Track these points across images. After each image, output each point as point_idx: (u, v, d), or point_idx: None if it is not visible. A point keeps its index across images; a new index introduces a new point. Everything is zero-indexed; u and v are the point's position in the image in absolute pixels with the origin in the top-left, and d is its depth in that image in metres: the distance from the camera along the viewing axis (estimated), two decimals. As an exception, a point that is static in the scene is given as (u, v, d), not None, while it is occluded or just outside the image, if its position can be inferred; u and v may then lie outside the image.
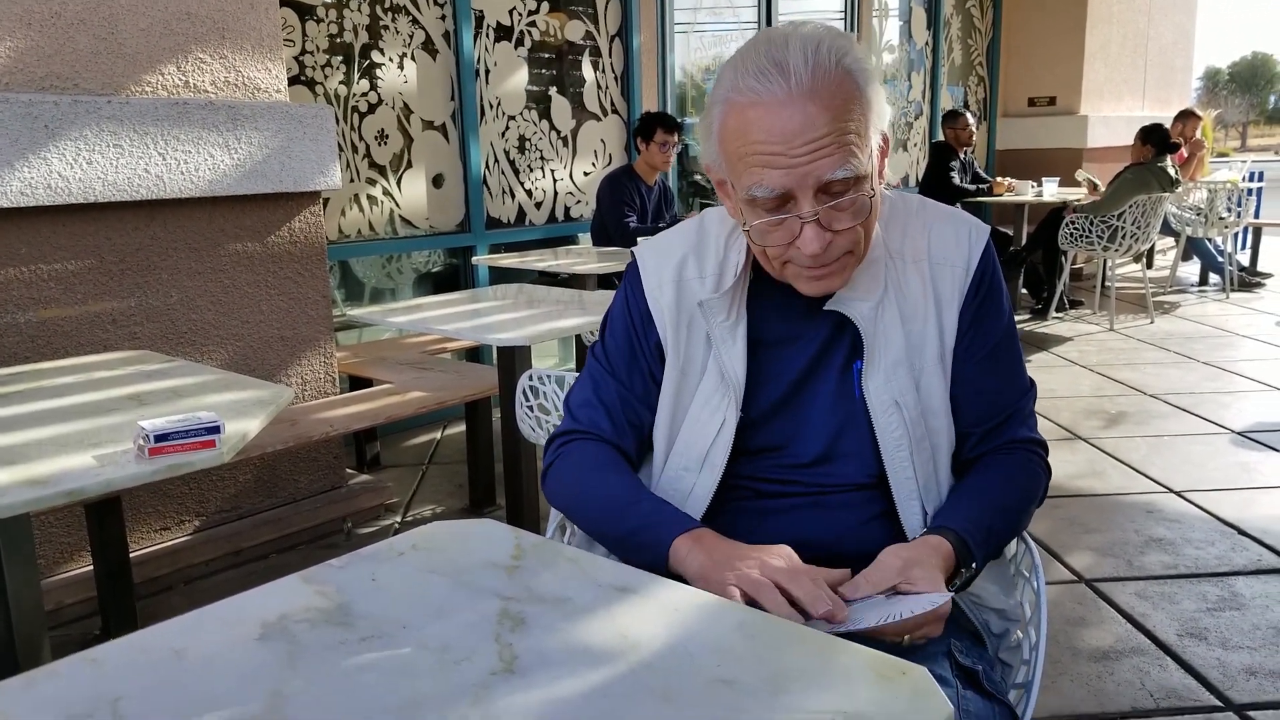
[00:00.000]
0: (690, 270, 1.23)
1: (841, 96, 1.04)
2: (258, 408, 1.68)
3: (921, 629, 1.01)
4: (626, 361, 1.27)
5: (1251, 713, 2.07)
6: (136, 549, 2.81)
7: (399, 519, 3.30)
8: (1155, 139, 6.41)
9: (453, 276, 4.73)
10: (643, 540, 1.12)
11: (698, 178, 6.13)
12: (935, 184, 6.74)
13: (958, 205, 6.69)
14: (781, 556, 1.04)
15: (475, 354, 4.58)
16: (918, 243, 1.20)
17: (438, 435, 4.28)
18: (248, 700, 0.76)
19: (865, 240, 1.12)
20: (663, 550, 1.08)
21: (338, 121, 4.10)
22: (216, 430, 1.46)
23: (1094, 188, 6.78)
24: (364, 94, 4.20)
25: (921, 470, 1.18)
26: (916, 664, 0.79)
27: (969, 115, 6.83)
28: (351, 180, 4.18)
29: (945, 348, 1.19)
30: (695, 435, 1.22)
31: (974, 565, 1.11)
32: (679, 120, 4.83)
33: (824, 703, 0.74)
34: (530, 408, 2.47)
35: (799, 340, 1.21)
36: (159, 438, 1.41)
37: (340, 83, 4.11)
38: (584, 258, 4.14)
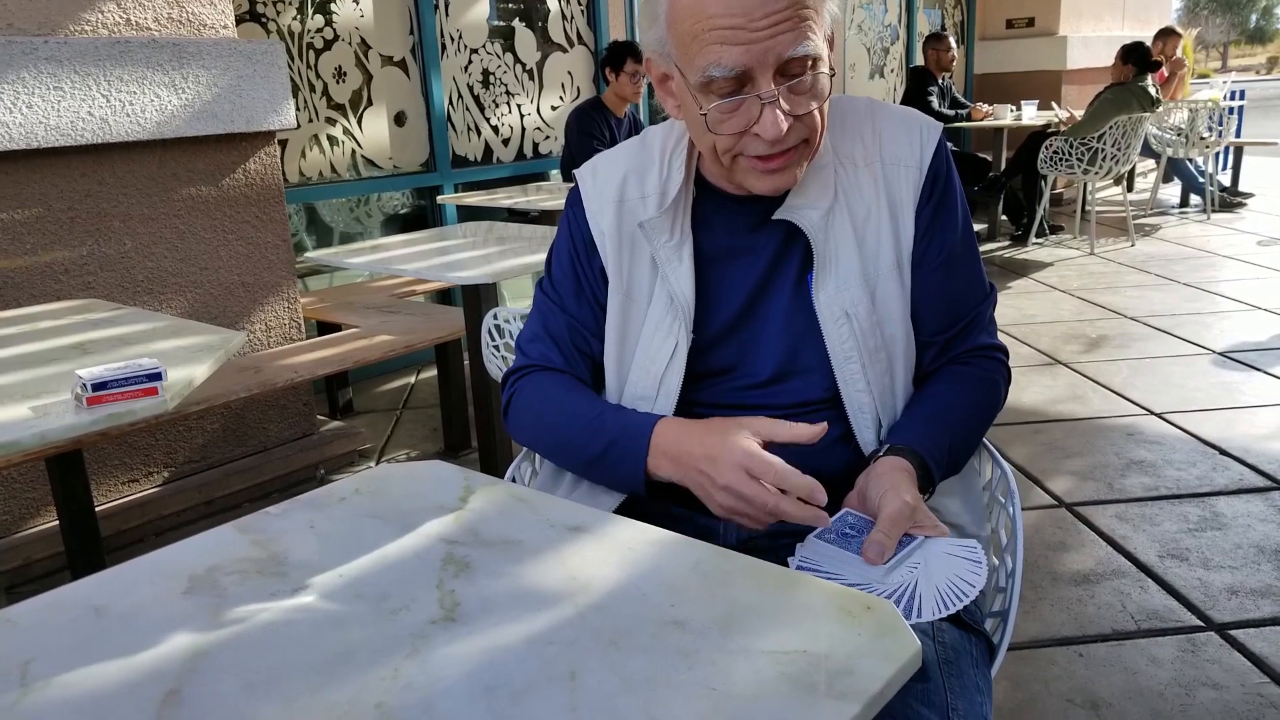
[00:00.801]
0: (632, 190, 1.18)
1: None
2: (206, 353, 1.61)
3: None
4: (573, 291, 1.22)
5: (1233, 631, 2.07)
6: (105, 501, 2.76)
7: (373, 464, 3.25)
8: (1136, 57, 6.30)
9: (420, 217, 4.63)
10: (611, 465, 1.10)
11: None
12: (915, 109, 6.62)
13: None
14: (731, 477, 0.99)
15: (447, 297, 4.50)
16: (868, 145, 1.15)
17: (412, 380, 4.21)
18: (168, 658, 0.71)
19: (822, 129, 1.07)
20: (639, 478, 1.08)
21: (292, 59, 3.96)
22: (159, 377, 1.39)
23: (1071, 117, 6.67)
24: (319, 30, 4.05)
25: (876, 384, 1.13)
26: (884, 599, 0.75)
27: (950, 38, 6.69)
28: (310, 120, 4.05)
29: (902, 253, 1.14)
30: (648, 362, 1.17)
31: (930, 490, 1.09)
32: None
33: (782, 641, 0.69)
34: (497, 348, 2.41)
35: (749, 254, 1.16)
36: (97, 386, 1.34)
37: (293, 19, 3.96)
38: (554, 194, 4.04)
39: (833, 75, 1.06)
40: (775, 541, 1.17)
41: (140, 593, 0.80)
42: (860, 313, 1.12)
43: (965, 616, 1.05)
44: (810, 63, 1.01)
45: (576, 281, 1.22)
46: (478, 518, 0.91)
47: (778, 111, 1.00)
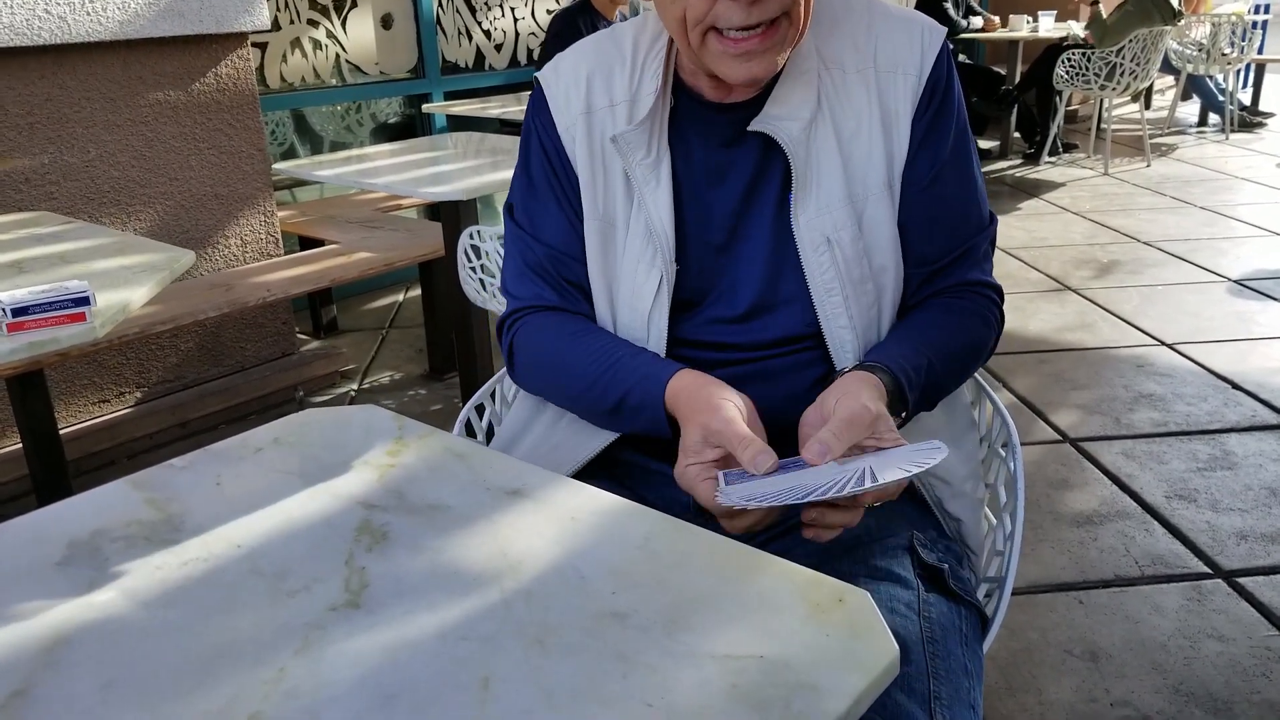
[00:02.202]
0: (599, 96, 1.05)
1: None
2: (148, 274, 1.49)
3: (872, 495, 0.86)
4: (551, 211, 1.08)
5: (1241, 579, 1.98)
6: (73, 423, 2.67)
7: (355, 387, 3.15)
8: (1158, -35, 6.01)
9: (409, 126, 4.44)
10: (633, 415, 1.00)
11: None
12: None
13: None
14: (698, 443, 0.88)
15: (435, 212, 4.33)
16: (861, 48, 1.01)
17: (400, 298, 4.09)
18: (22, 648, 0.61)
19: (804, 10, 0.94)
20: (662, 425, 0.97)
21: (272, -45, 3.74)
22: (86, 302, 1.28)
23: (1095, 2, 6.32)
24: (301, -76, 3.82)
25: (860, 319, 1.00)
26: (861, 579, 0.64)
27: (965, -57, 6.38)
28: (291, 22, 3.84)
29: (895, 171, 1.01)
30: (634, 299, 1.04)
31: (902, 414, 0.96)
32: None
33: (737, 643, 0.58)
34: (474, 269, 2.29)
35: (728, 172, 1.03)
36: (16, 312, 1.23)
37: (274, -89, 3.73)
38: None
39: None
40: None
41: (10, 562, 0.70)
42: (844, 239, 1.00)
43: (956, 586, 0.95)
44: None
45: (554, 199, 1.08)
46: (405, 476, 0.81)
47: None
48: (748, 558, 0.68)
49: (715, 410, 0.89)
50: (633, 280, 1.05)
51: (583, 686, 0.55)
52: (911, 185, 1.02)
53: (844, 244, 1.00)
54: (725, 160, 1.03)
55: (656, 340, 1.04)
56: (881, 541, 0.98)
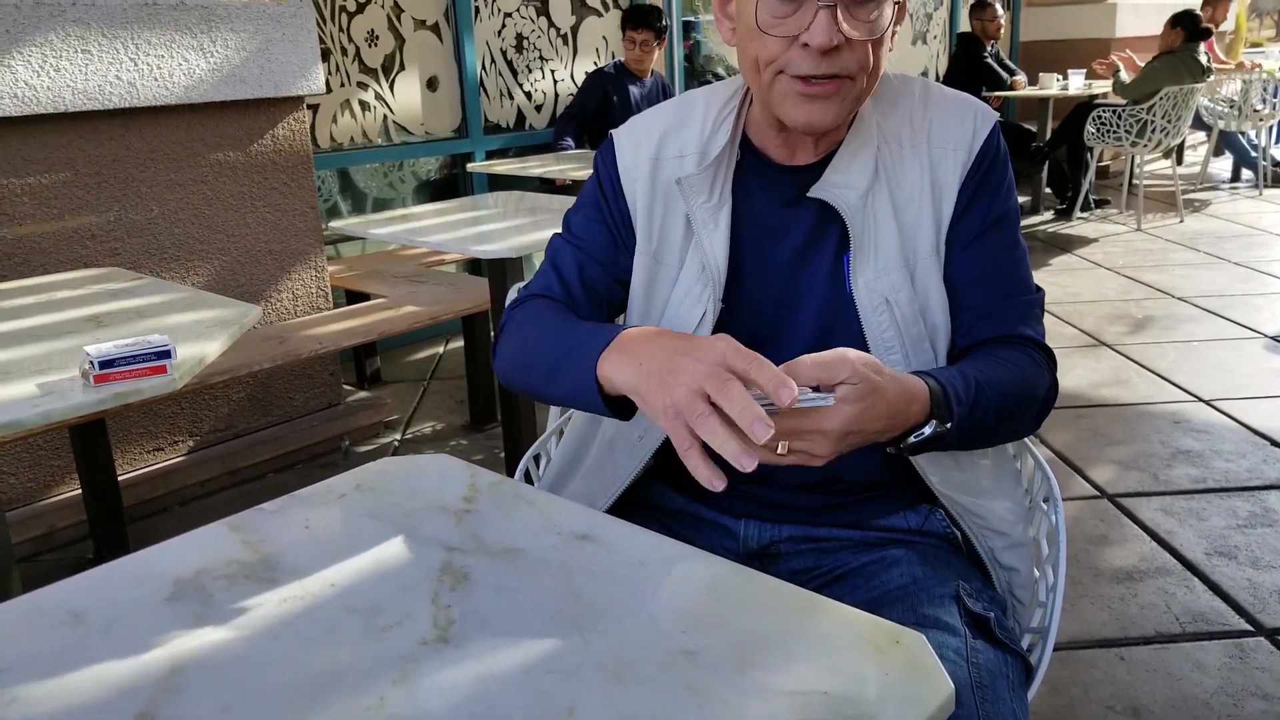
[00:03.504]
0: (670, 148, 1.12)
1: None
2: (220, 329, 1.56)
3: (801, 437, 0.84)
4: (592, 230, 1.16)
5: (1281, 635, 1.99)
6: (129, 470, 2.75)
7: (398, 437, 3.22)
8: (1185, 24, 6.10)
9: (450, 184, 4.57)
10: (568, 370, 0.96)
11: (709, 79, 5.88)
12: (964, 75, 6.44)
13: (985, 95, 6.42)
14: (709, 357, 0.80)
15: (475, 266, 4.45)
16: (917, 126, 1.08)
17: (440, 350, 4.18)
18: (143, 673, 0.66)
19: (872, 73, 1.01)
20: (590, 376, 0.91)
21: (325, 22, 3.90)
22: (167, 355, 1.35)
23: (1117, 72, 6.41)
24: (352, -8, 3.98)
25: None
26: (910, 625, 0.69)
27: (997, 5, 6.49)
28: (342, 85, 4.00)
29: (941, 235, 1.07)
30: (674, 329, 1.09)
31: (947, 425, 0.94)
32: (663, 18, 4.57)
33: (802, 679, 0.63)
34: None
35: (784, 231, 1.09)
36: (104, 364, 1.31)
37: (327, -20, 3.90)
38: (582, 162, 3.97)
39: (892, 31, 1.01)
40: (797, 546, 1.12)
41: (123, 597, 0.76)
42: (901, 299, 1.05)
43: (1001, 634, 0.98)
44: None
45: (600, 219, 1.16)
46: (480, 521, 0.86)
47: (831, 19, 0.95)
48: (807, 601, 0.72)
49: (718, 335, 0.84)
50: (677, 311, 1.10)
51: (660, 717, 0.60)
52: (955, 243, 1.08)
53: (901, 304, 1.05)
54: (785, 219, 1.09)
55: None
56: (929, 590, 1.02)
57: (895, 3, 1.00)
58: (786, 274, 1.10)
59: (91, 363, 1.31)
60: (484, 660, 0.66)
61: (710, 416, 0.76)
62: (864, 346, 1.05)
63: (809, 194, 1.06)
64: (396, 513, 0.88)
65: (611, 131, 1.20)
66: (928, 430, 0.93)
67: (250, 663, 0.67)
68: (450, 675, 0.65)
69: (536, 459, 1.32)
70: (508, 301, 1.22)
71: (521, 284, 1.26)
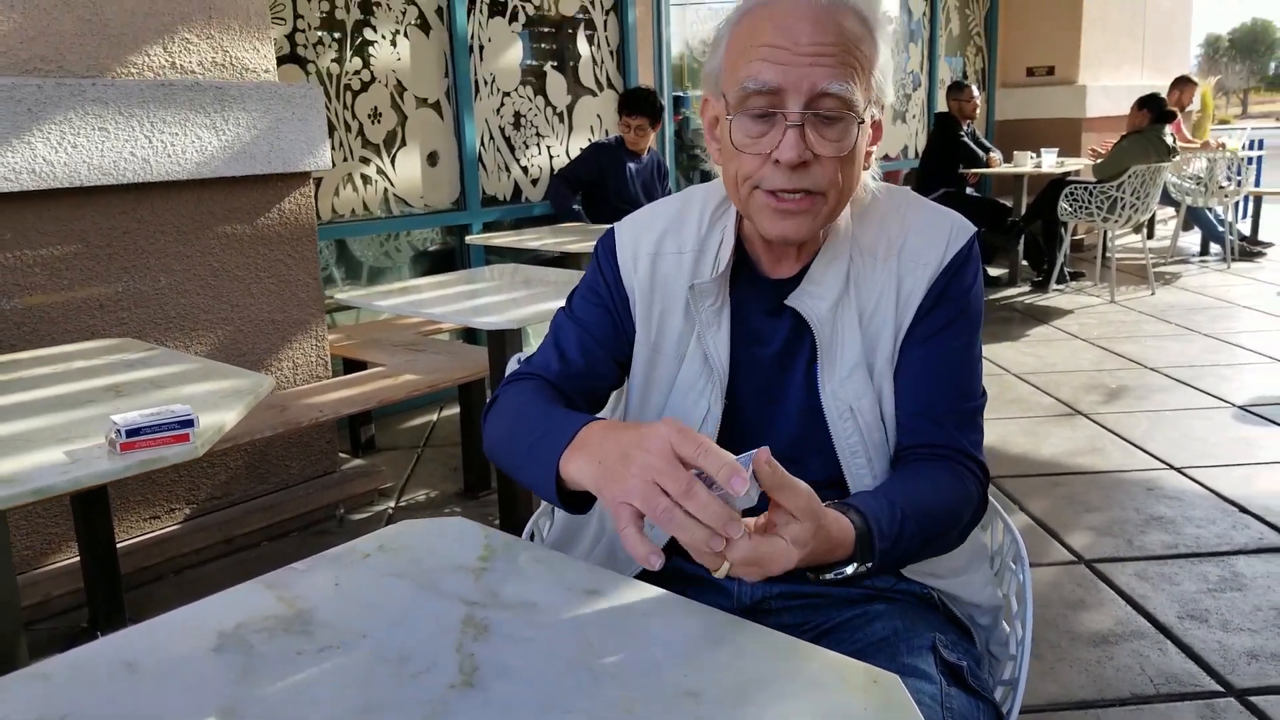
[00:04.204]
0: (669, 245, 1.20)
1: (855, 30, 1.04)
2: (235, 398, 1.65)
3: (743, 567, 0.83)
4: (593, 313, 1.24)
5: (1253, 698, 2.05)
6: (125, 538, 2.79)
7: (393, 504, 3.28)
8: (1152, 107, 6.38)
9: (448, 255, 4.69)
10: (535, 462, 0.99)
11: (698, 151, 6.07)
12: (941, 153, 6.67)
13: (963, 172, 6.64)
14: (655, 445, 0.83)
15: (471, 334, 4.55)
16: (891, 240, 1.15)
17: (434, 417, 4.25)
18: (199, 716, 0.73)
19: (842, 190, 1.08)
20: (551, 474, 0.96)
21: (330, 100, 4.05)
22: (190, 424, 1.43)
23: (1096, 155, 6.69)
24: (356, 71, 4.14)
25: (883, 477, 1.13)
26: (891, 672, 0.77)
27: (973, 87, 6.75)
28: (345, 159, 4.13)
29: (897, 345, 1.14)
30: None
31: (868, 564, 0.96)
32: (658, 104, 4.78)
33: (792, 715, 0.71)
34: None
35: (768, 336, 1.18)
36: (130, 433, 1.38)
37: (332, 60, 4.06)
38: (576, 235, 4.09)
39: (866, 151, 1.07)
40: (787, 603, 1.19)
41: (171, 649, 0.83)
42: (864, 407, 1.13)
43: (974, 684, 1.06)
44: (843, 106, 1.03)
45: (599, 303, 1.23)
46: (497, 578, 0.94)
47: (800, 137, 1.02)
48: (795, 648, 0.80)
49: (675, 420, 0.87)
50: (681, 402, 1.18)
51: (666, 749, 0.68)
52: (906, 343, 1.14)
53: (864, 412, 1.12)
54: (767, 326, 1.17)
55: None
56: (908, 642, 1.10)
57: (860, 122, 1.05)
58: (771, 376, 1.18)
59: (118, 431, 1.39)
60: (506, 702, 0.74)
61: (675, 510, 0.80)
62: (833, 451, 1.14)
63: (786, 302, 1.14)
64: (418, 571, 0.96)
65: (614, 225, 1.27)
66: (849, 570, 0.96)
67: (295, 707, 0.74)
68: (476, 716, 0.72)
69: (539, 524, 1.40)
70: (508, 370, 1.31)
71: (523, 354, 1.35)
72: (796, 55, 1.02)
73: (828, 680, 0.75)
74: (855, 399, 1.13)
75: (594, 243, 1.27)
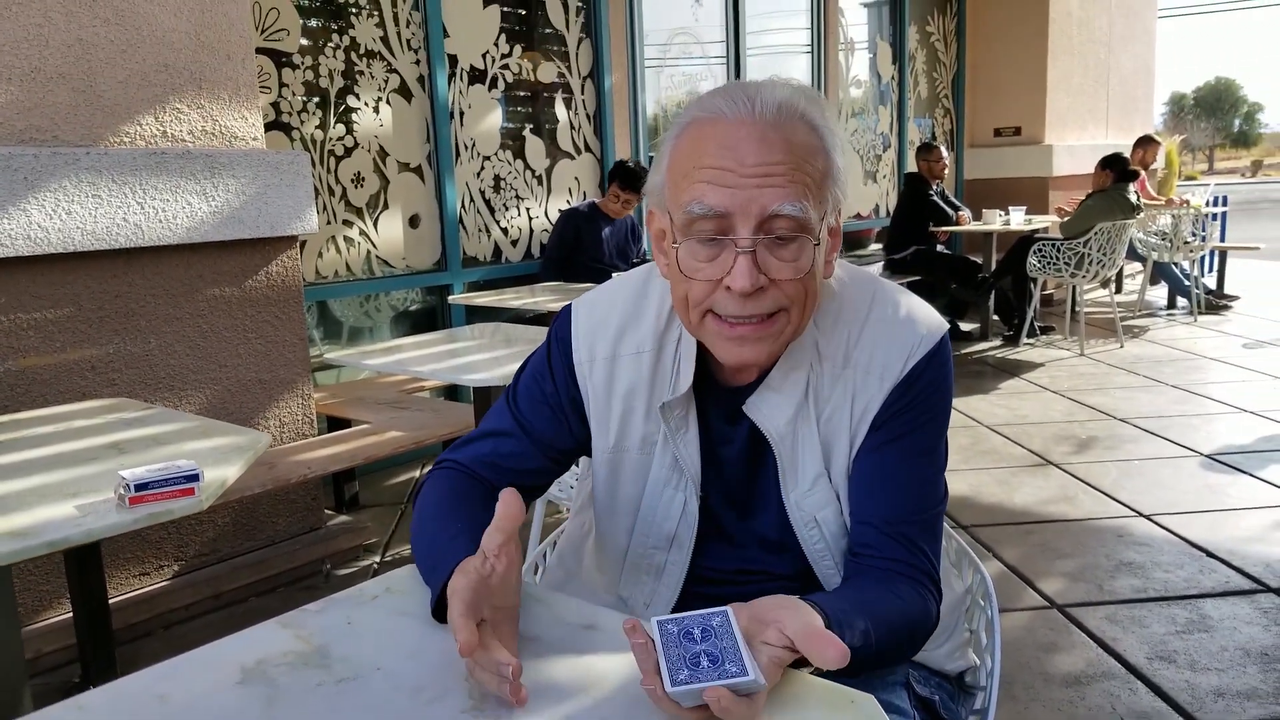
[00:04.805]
0: (627, 345, 1.15)
1: (804, 141, 0.99)
2: (236, 454, 1.71)
3: (727, 710, 0.77)
4: (538, 410, 1.19)
5: (1218, 732, 2.12)
6: (115, 595, 2.81)
7: (378, 559, 3.31)
8: (1115, 166, 6.59)
9: (430, 315, 4.77)
10: (428, 578, 1.03)
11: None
12: (912, 212, 6.86)
13: (933, 230, 6.81)
14: (462, 627, 0.85)
15: (453, 392, 4.61)
16: (851, 348, 1.10)
17: (417, 474, 4.30)
18: (228, 743, 0.79)
19: (804, 308, 1.03)
20: (432, 603, 0.98)
21: (314, 165, 4.15)
22: (196, 479, 1.49)
23: (1063, 213, 6.91)
24: (340, 138, 4.25)
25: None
26: (866, 693, 0.83)
27: (942, 148, 6.96)
28: (329, 222, 4.23)
29: (853, 458, 1.11)
30: (656, 516, 1.17)
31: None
32: (642, 175, 4.94)
33: (776, 732, 0.78)
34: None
35: (731, 439, 1.15)
36: (139, 487, 1.44)
37: (316, 127, 4.17)
38: (555, 295, 4.19)
39: (825, 261, 1.03)
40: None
41: (197, 683, 0.89)
42: (828, 516, 1.11)
43: (945, 714, 1.13)
44: (797, 226, 0.98)
45: (546, 408, 1.19)
46: (500, 616, 1.00)
47: (752, 263, 0.98)
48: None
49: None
50: (656, 503, 1.16)
51: (663, 762, 0.74)
52: (861, 451, 1.10)
53: (829, 521, 1.11)
54: (729, 432, 1.15)
55: (679, 555, 1.17)
56: (883, 678, 1.17)
57: (816, 243, 1.00)
58: (739, 477, 1.16)
59: (127, 485, 1.45)
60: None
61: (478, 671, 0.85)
62: (804, 557, 1.14)
63: (745, 409, 1.11)
64: (424, 610, 1.02)
65: (570, 307, 1.20)
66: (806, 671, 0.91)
67: (318, 730, 0.80)
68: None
69: (535, 567, 1.47)
70: (468, 434, 1.25)
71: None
72: (742, 177, 0.97)
73: (809, 700, 0.82)
74: (818, 509, 1.11)
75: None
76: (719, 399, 1.14)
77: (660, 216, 1.07)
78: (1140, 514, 3.45)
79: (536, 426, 1.19)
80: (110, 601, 2.69)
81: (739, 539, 1.19)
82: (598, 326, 1.17)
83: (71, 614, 2.56)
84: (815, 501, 1.11)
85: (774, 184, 0.97)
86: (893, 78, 8.03)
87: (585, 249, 4.86)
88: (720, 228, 0.99)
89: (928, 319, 1.12)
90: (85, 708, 0.85)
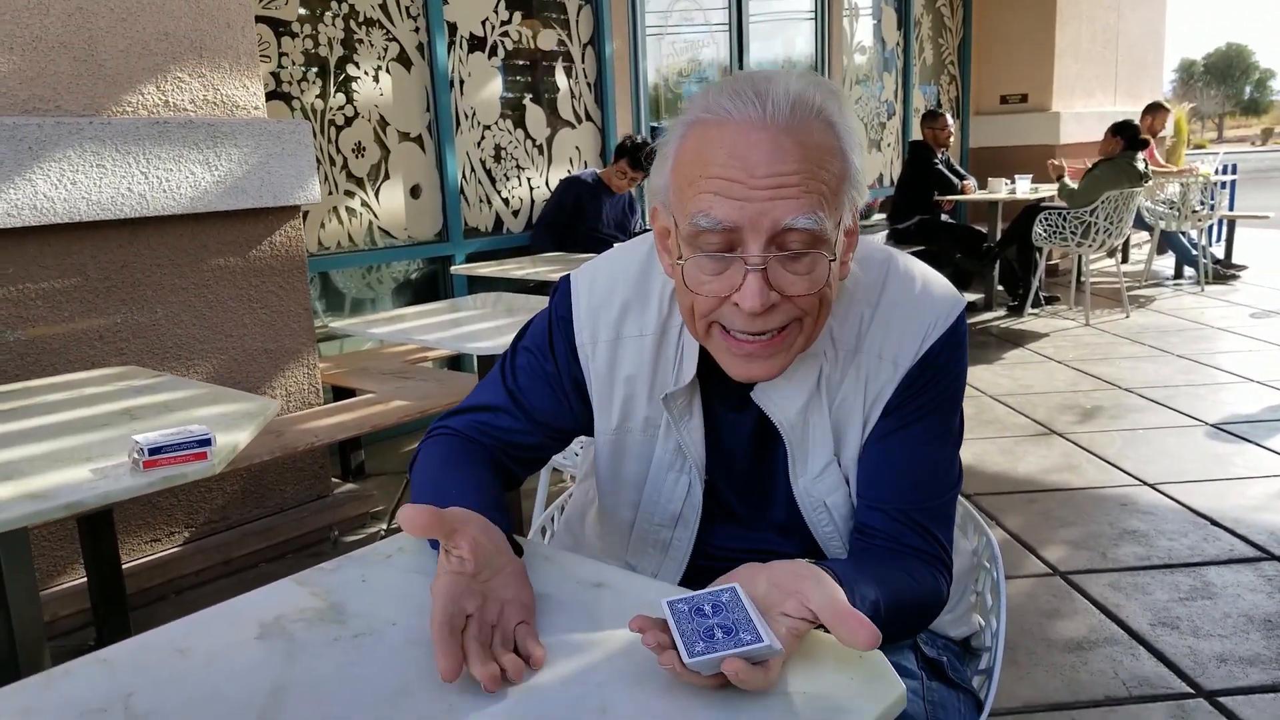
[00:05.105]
0: (630, 327, 1.12)
1: (819, 142, 0.93)
2: (246, 420, 1.72)
3: (744, 680, 0.76)
4: (537, 389, 1.17)
5: (1222, 699, 2.14)
6: (128, 561, 2.84)
7: (384, 526, 3.34)
8: (1124, 134, 6.53)
9: (431, 285, 4.78)
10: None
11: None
12: (916, 181, 6.83)
13: (938, 200, 6.78)
14: (442, 649, 0.81)
15: (456, 362, 4.62)
16: (863, 333, 1.07)
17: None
18: (251, 693, 0.81)
19: (817, 319, 0.99)
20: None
21: (315, 135, 4.14)
22: (208, 443, 1.50)
23: (1060, 176, 6.83)
24: (340, 107, 4.24)
25: None
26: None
27: (947, 115, 6.92)
28: (330, 193, 4.22)
29: (863, 443, 1.09)
30: (661, 496, 1.17)
31: None
32: (651, 154, 4.92)
33: (788, 684, 0.79)
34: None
35: (738, 426, 1.13)
36: (153, 451, 1.45)
37: (316, 96, 4.15)
38: (556, 265, 4.19)
39: (840, 263, 0.98)
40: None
41: (217, 637, 0.91)
42: (838, 501, 1.10)
43: (954, 676, 1.15)
44: (811, 240, 0.93)
45: (545, 385, 1.17)
46: (512, 574, 1.02)
47: (764, 281, 0.93)
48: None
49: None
50: (662, 483, 1.15)
51: (677, 713, 0.76)
52: (872, 436, 1.08)
53: (839, 506, 1.09)
54: (736, 419, 1.13)
55: (683, 533, 1.17)
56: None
57: (833, 260, 0.96)
58: (746, 463, 1.15)
59: (140, 450, 1.46)
60: (530, 676, 0.82)
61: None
62: (813, 539, 1.13)
63: (753, 396, 1.08)
64: (435, 567, 1.03)
65: (571, 280, 1.17)
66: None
67: (338, 685, 0.82)
68: (504, 689, 0.80)
69: (543, 529, 1.48)
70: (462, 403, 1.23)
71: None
72: (752, 189, 0.91)
73: (818, 654, 0.84)
74: (827, 494, 1.10)
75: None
76: (725, 386, 1.10)
77: (664, 215, 1.02)
78: (1145, 483, 3.46)
79: (535, 405, 1.17)
80: (123, 567, 2.72)
81: (746, 520, 1.19)
82: (600, 307, 1.14)
83: (86, 579, 2.58)
84: (824, 487, 1.09)
85: (786, 195, 0.91)
86: (898, 44, 7.97)
87: (585, 219, 4.85)
88: (729, 242, 0.94)
89: (944, 296, 1.08)
90: (110, 661, 0.87)
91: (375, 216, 4.42)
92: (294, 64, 4.06)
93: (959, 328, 1.07)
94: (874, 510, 1.07)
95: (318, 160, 4.12)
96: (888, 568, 1.02)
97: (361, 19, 4.27)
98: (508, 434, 1.17)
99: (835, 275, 0.98)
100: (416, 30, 4.49)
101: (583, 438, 1.25)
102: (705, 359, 1.09)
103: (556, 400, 1.17)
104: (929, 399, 1.07)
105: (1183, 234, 7.83)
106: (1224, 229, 8.63)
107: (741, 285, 0.93)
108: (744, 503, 1.17)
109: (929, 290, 1.08)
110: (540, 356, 1.17)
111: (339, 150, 4.25)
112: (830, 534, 1.12)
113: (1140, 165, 6.42)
